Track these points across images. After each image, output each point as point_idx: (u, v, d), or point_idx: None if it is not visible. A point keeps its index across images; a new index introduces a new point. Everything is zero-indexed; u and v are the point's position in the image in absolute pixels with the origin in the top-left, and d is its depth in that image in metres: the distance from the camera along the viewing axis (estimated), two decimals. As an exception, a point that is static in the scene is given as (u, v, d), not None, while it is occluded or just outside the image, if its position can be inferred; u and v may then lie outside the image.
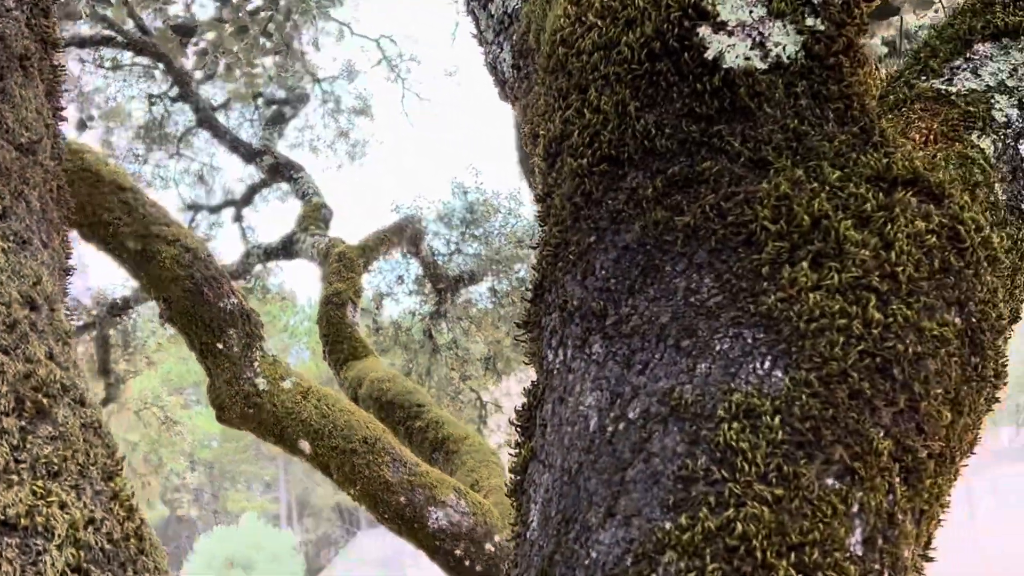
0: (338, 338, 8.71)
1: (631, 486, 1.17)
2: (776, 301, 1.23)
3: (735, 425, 1.15)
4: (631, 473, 1.18)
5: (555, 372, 1.34)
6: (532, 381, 1.41)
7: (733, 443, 1.14)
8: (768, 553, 1.08)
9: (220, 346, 6.58)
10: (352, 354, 8.58)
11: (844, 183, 1.29)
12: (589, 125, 1.40)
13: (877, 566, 1.14)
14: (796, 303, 1.22)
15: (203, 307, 6.49)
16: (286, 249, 10.06)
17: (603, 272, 1.33)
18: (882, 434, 1.19)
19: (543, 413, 1.34)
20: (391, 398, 7.92)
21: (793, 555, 1.09)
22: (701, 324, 1.25)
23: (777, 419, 1.15)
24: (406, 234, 10.30)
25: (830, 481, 1.14)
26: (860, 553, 1.13)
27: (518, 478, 1.34)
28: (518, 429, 1.38)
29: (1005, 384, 1.35)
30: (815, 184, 1.29)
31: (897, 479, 1.19)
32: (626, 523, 1.14)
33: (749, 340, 1.22)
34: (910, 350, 1.21)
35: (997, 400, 1.36)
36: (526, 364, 1.47)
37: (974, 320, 1.29)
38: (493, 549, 6.56)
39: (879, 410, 1.19)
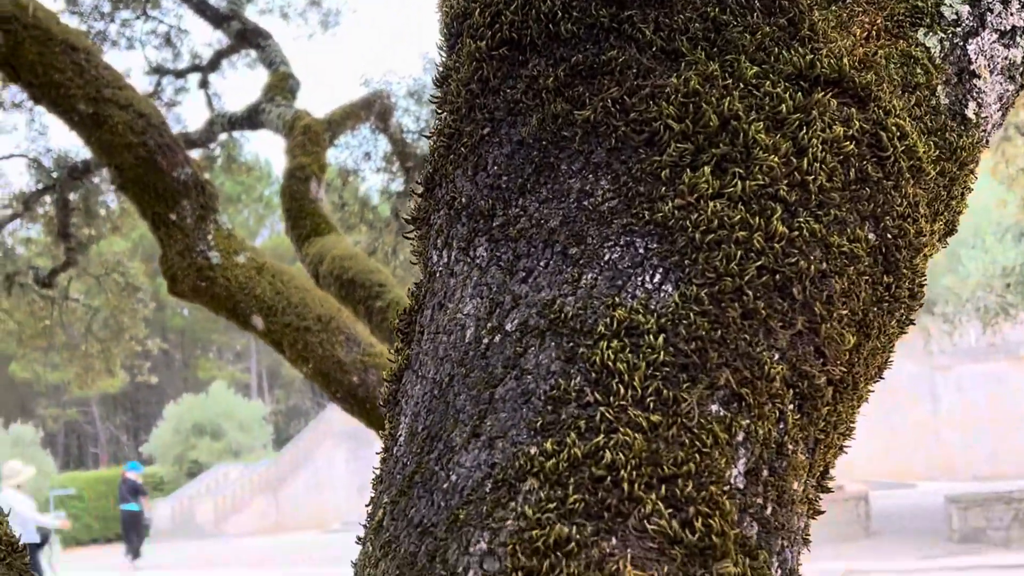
0: (301, 213, 8.57)
1: (500, 405, 1.07)
2: (673, 208, 1.12)
3: (615, 343, 1.06)
4: (501, 391, 1.08)
5: (438, 275, 1.24)
6: (415, 283, 1.31)
7: (610, 363, 1.04)
8: (636, 485, 0.99)
9: (173, 217, 6.44)
10: (315, 230, 8.45)
11: (761, 81, 1.18)
12: (492, 3, 1.27)
13: (760, 500, 1.06)
14: (694, 212, 1.12)
15: (156, 176, 6.33)
16: (251, 119, 9.85)
17: (495, 168, 1.22)
18: (776, 357, 1.10)
19: (422, 318, 1.24)
20: (352, 276, 7.81)
21: (664, 487, 1.00)
22: (592, 230, 1.14)
23: (661, 338, 1.06)
24: (374, 109, 10.09)
25: (714, 408, 1.05)
26: (741, 486, 1.05)
27: (392, 387, 1.24)
28: (399, 334, 1.28)
29: (920, 305, 1.26)
30: (729, 81, 1.18)
31: (790, 406, 1.10)
32: (490, 445, 1.05)
33: (641, 250, 1.12)
34: (813, 267, 1.11)
35: (911, 322, 1.27)
36: (413, 264, 1.37)
37: (889, 236, 1.19)
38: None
39: (775, 332, 1.10)
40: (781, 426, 1.09)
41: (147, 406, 53.66)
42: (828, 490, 1.21)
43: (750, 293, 1.08)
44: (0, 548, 0.97)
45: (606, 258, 1.12)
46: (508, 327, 1.12)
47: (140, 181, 6.32)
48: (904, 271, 1.20)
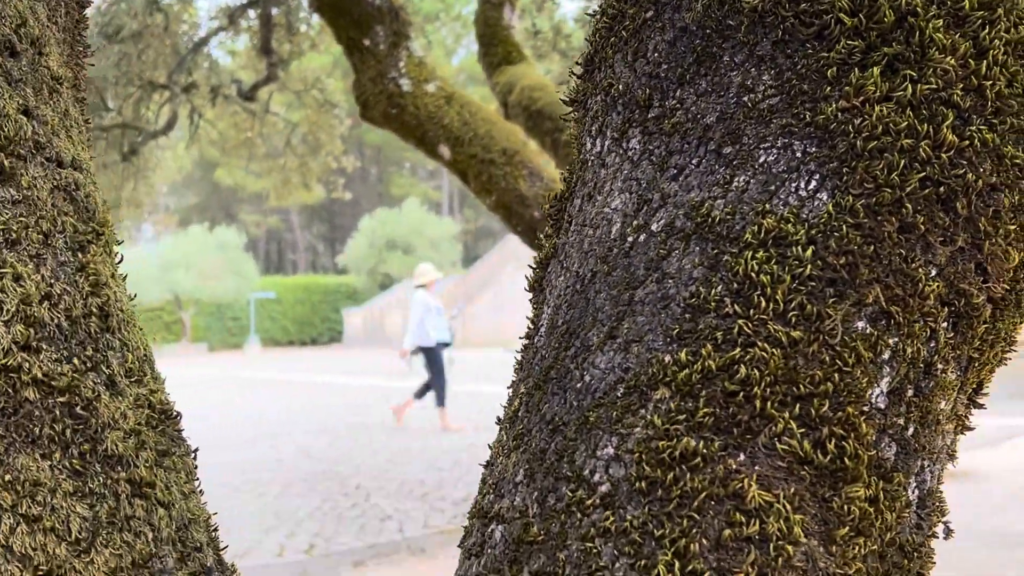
0: (493, 40, 8.52)
1: (638, 307, 1.06)
2: (836, 111, 1.07)
3: (760, 254, 1.03)
4: (641, 293, 1.07)
5: (589, 164, 1.22)
6: (568, 168, 1.29)
7: (753, 274, 1.02)
8: (770, 403, 0.98)
9: (366, 42, 6.49)
10: (506, 58, 8.41)
11: (945, -29, 1.10)
12: None
13: (901, 420, 1.03)
14: (858, 116, 1.06)
15: (350, 0, 6.37)
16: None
17: (655, 55, 1.19)
18: (933, 274, 1.05)
19: (572, 207, 1.23)
20: (540, 107, 7.78)
21: (798, 406, 0.98)
22: (749, 129, 1.10)
23: (810, 251, 1.02)
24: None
25: (860, 324, 1.02)
26: (882, 406, 1.02)
27: (539, 274, 1.24)
28: (549, 219, 1.27)
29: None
30: (910, -29, 1.10)
31: (944, 324, 1.06)
32: (625, 348, 1.05)
33: (798, 154, 1.08)
34: (982, 180, 1.05)
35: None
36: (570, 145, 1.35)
37: (1072, 148, 1.11)
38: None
39: (933, 247, 1.05)
40: (932, 345, 1.06)
41: (343, 218, 55.27)
42: (980, 406, 1.17)
43: (909, 206, 1.04)
44: (153, 415, 1.02)
45: (761, 160, 1.08)
46: (654, 227, 1.10)
47: (336, 5, 6.37)
48: (1085, 185, 1.13)
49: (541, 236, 1.21)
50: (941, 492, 1.11)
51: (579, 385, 1.06)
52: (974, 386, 1.15)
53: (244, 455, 13.05)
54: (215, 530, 1.08)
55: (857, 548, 0.97)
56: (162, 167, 16.36)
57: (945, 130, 1.05)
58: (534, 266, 1.25)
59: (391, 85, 6.50)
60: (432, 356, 14.33)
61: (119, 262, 1.13)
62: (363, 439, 14.04)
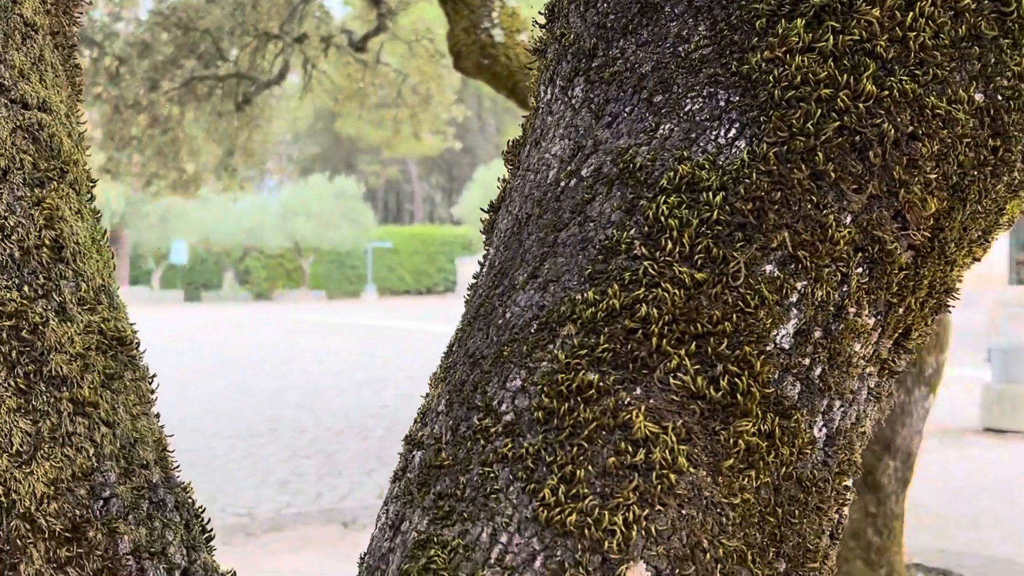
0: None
1: (560, 249, 1.12)
2: (760, 61, 1.11)
3: (672, 198, 1.07)
4: (564, 235, 1.12)
5: (540, 111, 1.27)
6: (525, 115, 1.34)
7: (664, 217, 1.07)
8: (667, 340, 1.03)
9: (459, -7, 6.54)
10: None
11: (882, -76, 1.13)
12: None
13: (807, 361, 1.07)
14: (780, 66, 1.10)
15: (444, -48, 6.43)
16: None
17: (604, 5, 1.23)
18: (848, 220, 1.08)
19: (523, 153, 1.29)
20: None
21: (695, 344, 1.03)
22: (680, 79, 1.14)
23: (720, 196, 1.07)
24: None
25: (768, 268, 1.06)
26: (786, 347, 1.06)
27: (491, 216, 1.30)
28: (507, 165, 1.33)
29: (1039, 170, 1.19)
30: (847, -77, 1.13)
31: (857, 270, 1.10)
32: (544, 287, 1.10)
33: (722, 103, 1.11)
34: (899, 130, 1.08)
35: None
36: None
37: (1000, 98, 1.13)
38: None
39: (847, 194, 1.08)
40: (844, 289, 1.09)
41: (461, 168, 55.60)
42: (909, 351, 1.20)
43: (821, 154, 1.07)
44: (104, 340, 1.11)
45: (687, 109, 1.13)
46: (584, 172, 1.15)
47: (429, -44, 6.42)
48: (1015, 134, 1.14)
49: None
50: (858, 432, 1.15)
51: (500, 321, 1.12)
52: (900, 332, 1.18)
53: (350, 399, 13.33)
54: (165, 449, 1.16)
55: (747, 480, 1.02)
56: (279, 117, 16.65)
57: (865, 80, 1.08)
58: (486, 210, 1.31)
59: (483, 35, 6.55)
60: None
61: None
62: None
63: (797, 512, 1.05)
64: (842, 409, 1.11)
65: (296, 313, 31.62)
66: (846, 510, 1.15)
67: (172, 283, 43.22)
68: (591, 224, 1.11)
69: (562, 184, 1.16)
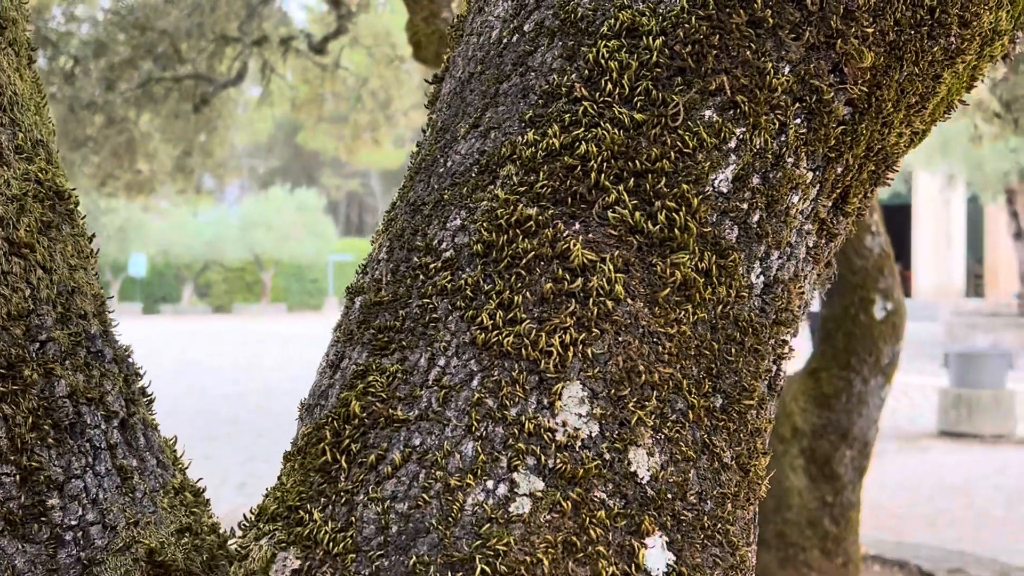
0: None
1: (501, 99, 1.12)
2: (700, -84, 1.11)
3: (612, 43, 1.08)
4: (506, 86, 1.13)
5: (483, -19, 1.28)
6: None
7: (603, 61, 1.07)
8: (604, 175, 1.03)
9: (418, -17, 6.56)
10: None
11: None
12: None
13: (745, 205, 1.08)
14: (719, -81, 1.11)
15: (403, -59, 6.44)
16: None
17: None
18: (787, 70, 1.10)
19: (466, 23, 1.29)
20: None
21: (633, 180, 1.04)
22: (621, -64, 1.15)
23: (660, 40, 1.07)
24: None
25: (708, 113, 1.07)
26: (725, 190, 1.07)
27: (435, 88, 1.30)
28: (450, 39, 1.33)
29: (975, 36, 1.21)
30: None
31: (796, 120, 1.11)
32: (485, 135, 1.11)
33: (663, -44, 1.12)
34: (836, -19, 1.09)
35: (962, 53, 1.22)
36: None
37: (936, -42, 1.14)
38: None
39: (785, 43, 1.09)
40: (782, 138, 1.10)
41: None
42: (847, 215, 1.21)
43: (759, 1, 1.08)
44: (41, 190, 1.10)
45: (629, -37, 1.13)
46: (526, 27, 1.16)
47: (388, -55, 6.43)
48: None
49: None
50: (797, 288, 1.16)
51: (442, 170, 1.12)
52: (839, 193, 1.19)
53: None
54: (104, 306, 1.16)
55: (684, 313, 1.03)
56: (240, 128, 16.57)
57: (804, -68, 1.09)
58: (430, 81, 1.31)
59: (443, 25, 6.56)
60: None
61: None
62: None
63: (734, 351, 1.06)
64: (780, 260, 1.12)
65: (256, 325, 31.46)
66: (785, 364, 1.16)
67: (130, 296, 42.87)
68: (532, 73, 1.12)
69: (504, 41, 1.17)
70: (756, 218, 1.09)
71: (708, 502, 1.01)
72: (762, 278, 1.11)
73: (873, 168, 1.22)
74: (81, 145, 12.71)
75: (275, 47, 12.97)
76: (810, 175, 1.13)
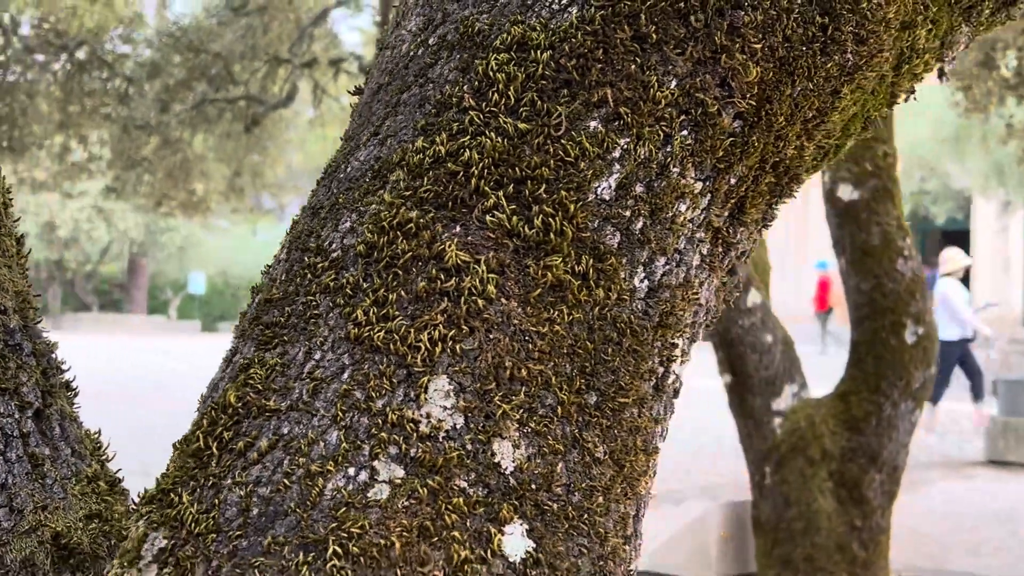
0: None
1: (401, 108, 1.18)
2: (596, -64, 1.16)
3: (502, 56, 1.13)
4: (406, 96, 1.18)
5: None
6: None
7: (492, 73, 1.12)
8: (485, 181, 1.08)
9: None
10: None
11: None
12: None
13: (628, 213, 1.13)
14: (612, -61, 1.16)
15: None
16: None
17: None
18: (673, 84, 1.14)
19: (386, 37, 1.35)
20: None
21: (512, 187, 1.09)
22: (523, -44, 1.20)
23: (547, 54, 1.12)
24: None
25: (592, 124, 1.12)
26: (607, 197, 1.12)
27: (359, 99, 1.36)
28: (378, 49, 1.39)
29: (874, 53, 1.25)
30: None
31: (682, 132, 1.15)
32: (383, 142, 1.16)
33: (559, -26, 1.17)
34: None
35: (860, 69, 1.26)
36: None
37: (827, -23, 1.18)
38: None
39: (670, 58, 1.14)
40: (667, 149, 1.14)
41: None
42: (745, 225, 1.25)
43: (644, 17, 1.13)
44: None
45: (528, -20, 1.19)
46: (431, 41, 1.21)
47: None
48: (844, 13, 1.20)
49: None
50: (689, 294, 1.20)
51: (341, 176, 1.18)
52: (735, 203, 1.23)
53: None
54: (29, 303, 1.22)
55: (557, 313, 1.07)
56: (292, 145, 16.80)
57: (692, -48, 1.14)
58: (352, 92, 1.37)
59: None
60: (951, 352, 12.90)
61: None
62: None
63: (611, 350, 1.10)
64: (667, 265, 1.16)
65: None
66: (675, 367, 1.20)
67: (189, 314, 43.38)
68: (430, 85, 1.17)
69: (411, 54, 1.22)
70: (640, 225, 1.14)
71: (576, 494, 1.06)
72: (646, 282, 1.15)
73: (773, 180, 1.26)
74: (136, 165, 12.95)
75: (324, 68, 13.15)
76: (699, 185, 1.18)
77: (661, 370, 1.17)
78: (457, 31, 1.19)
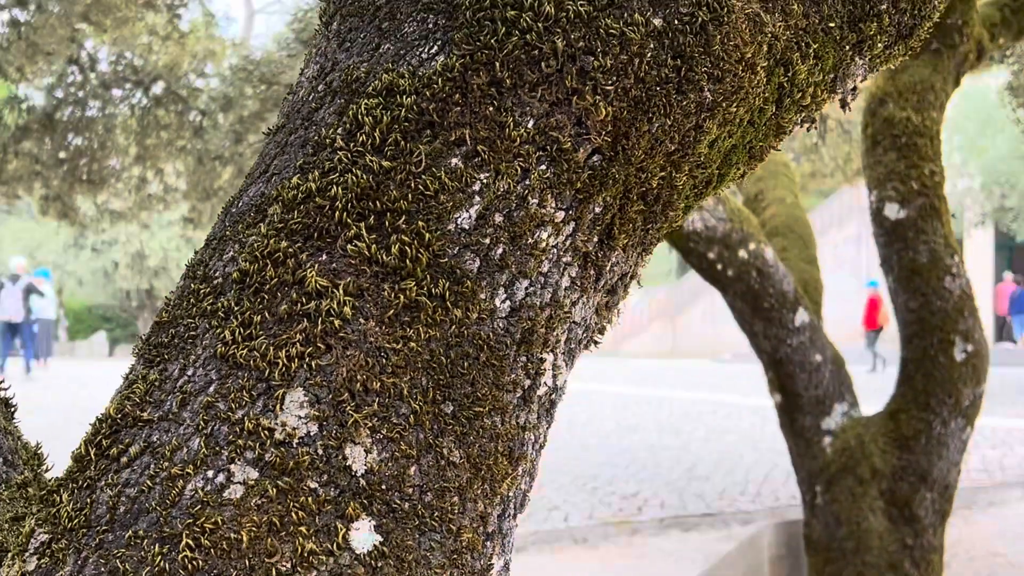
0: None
1: (287, 148, 1.31)
2: (464, -11, 1.29)
3: (372, 101, 1.26)
4: (293, 137, 1.31)
5: (313, 47, 1.47)
6: (311, 56, 1.54)
7: (361, 116, 1.25)
8: (348, 214, 1.21)
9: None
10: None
11: None
12: None
13: (487, 240, 1.24)
14: (477, -8, 1.28)
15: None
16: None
17: (366, -45, 1.42)
18: (530, 123, 1.25)
19: (295, 82, 1.48)
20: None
21: (374, 218, 1.21)
22: (404, 7, 1.33)
23: (411, 99, 1.25)
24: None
25: (454, 161, 1.24)
26: (466, 227, 1.23)
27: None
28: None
29: (734, 90, 1.35)
30: None
31: (540, 166, 1.26)
32: (268, 180, 1.29)
33: (431, 25, 1.30)
34: (572, 46, 1.25)
35: (718, 104, 1.36)
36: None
37: (678, 23, 1.29)
38: (746, 256, 6.65)
39: (525, 100, 1.25)
40: (526, 182, 1.26)
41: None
42: (614, 249, 1.36)
43: (499, 64, 1.24)
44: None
45: (404, 31, 1.31)
46: (320, 87, 1.34)
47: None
48: (696, 56, 1.30)
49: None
50: (559, 314, 1.30)
51: (233, 210, 1.31)
52: (600, 229, 1.34)
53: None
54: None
55: (414, 332, 1.19)
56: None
57: (546, 3, 1.26)
58: (267, 133, 1.50)
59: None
60: None
61: None
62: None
63: (467, 364, 1.21)
64: (531, 287, 1.27)
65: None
66: (544, 379, 1.30)
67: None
68: (314, 127, 1.30)
69: (305, 99, 1.36)
70: (500, 251, 1.25)
71: (429, 494, 1.17)
72: (508, 303, 1.26)
73: (643, 207, 1.37)
74: (211, 196, 13.28)
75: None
76: (560, 214, 1.29)
77: (528, 382, 1.28)
78: (341, 79, 1.32)
